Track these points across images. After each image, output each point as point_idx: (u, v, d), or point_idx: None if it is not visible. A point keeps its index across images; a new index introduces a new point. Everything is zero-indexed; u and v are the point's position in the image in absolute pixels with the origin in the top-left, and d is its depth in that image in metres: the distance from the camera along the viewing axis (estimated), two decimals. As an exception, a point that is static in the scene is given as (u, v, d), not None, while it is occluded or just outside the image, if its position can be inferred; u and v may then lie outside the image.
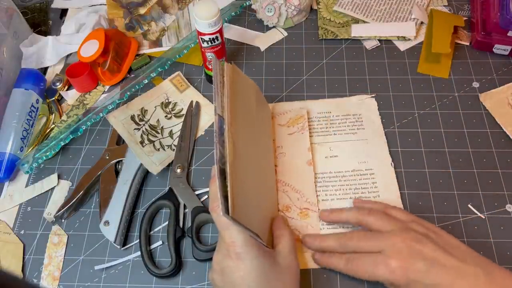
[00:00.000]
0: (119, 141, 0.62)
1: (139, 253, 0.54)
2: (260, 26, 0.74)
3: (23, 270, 0.55)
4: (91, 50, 0.65)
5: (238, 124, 0.48)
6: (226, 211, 0.42)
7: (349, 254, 0.48)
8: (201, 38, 0.60)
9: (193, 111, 0.64)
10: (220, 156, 0.45)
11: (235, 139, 0.46)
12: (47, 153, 0.60)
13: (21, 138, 0.62)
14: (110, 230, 0.54)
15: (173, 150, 0.61)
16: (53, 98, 0.68)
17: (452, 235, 0.47)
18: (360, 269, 0.47)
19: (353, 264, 0.47)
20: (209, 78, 0.67)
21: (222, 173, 0.44)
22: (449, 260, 0.43)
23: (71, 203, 0.57)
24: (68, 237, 0.56)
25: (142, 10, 0.76)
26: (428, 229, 0.47)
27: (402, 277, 0.43)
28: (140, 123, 0.63)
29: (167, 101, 0.65)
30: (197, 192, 0.58)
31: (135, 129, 0.62)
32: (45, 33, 0.75)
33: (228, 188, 0.43)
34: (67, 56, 0.72)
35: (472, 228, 0.54)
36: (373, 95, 0.64)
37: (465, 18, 0.71)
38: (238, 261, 0.44)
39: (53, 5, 0.79)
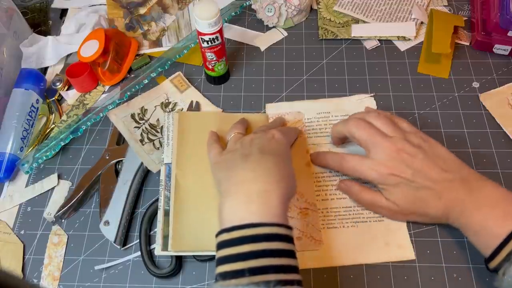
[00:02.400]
0: (119, 141, 0.62)
1: (139, 253, 0.54)
2: (260, 26, 0.74)
3: (23, 270, 0.55)
4: (91, 50, 0.65)
5: (185, 160, 0.56)
6: (165, 249, 0.51)
7: (344, 154, 0.55)
8: (201, 38, 0.60)
9: (193, 111, 0.64)
10: (166, 200, 0.53)
11: (180, 177, 0.55)
12: (47, 153, 0.60)
13: (21, 138, 0.62)
14: (110, 230, 0.54)
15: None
16: (53, 98, 0.68)
17: (445, 148, 0.52)
18: (350, 170, 0.53)
19: (347, 165, 0.53)
20: (209, 78, 0.67)
21: (166, 214, 0.53)
22: (434, 168, 0.50)
23: (71, 203, 0.57)
24: (68, 237, 0.56)
25: (142, 10, 0.76)
26: (424, 140, 0.52)
27: (393, 180, 0.50)
28: (140, 121, 0.63)
29: (167, 101, 0.65)
30: (197, 192, 0.58)
31: (135, 127, 0.62)
32: (45, 33, 0.75)
33: (170, 227, 0.51)
34: (67, 56, 0.72)
35: (472, 228, 0.54)
36: (372, 95, 0.64)
37: (465, 18, 0.71)
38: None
39: (53, 5, 0.79)
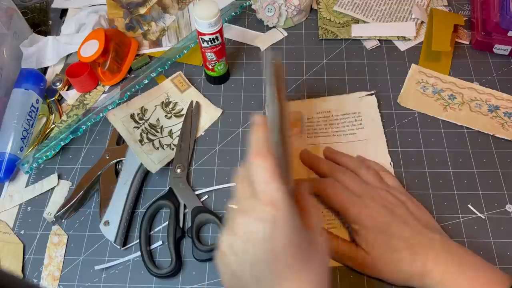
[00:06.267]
0: (119, 141, 0.62)
1: (139, 253, 0.54)
2: (260, 26, 0.74)
3: (23, 270, 0.55)
4: (91, 50, 0.65)
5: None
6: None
7: (334, 181, 0.53)
8: (201, 38, 0.60)
9: (193, 111, 0.64)
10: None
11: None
12: (47, 153, 0.60)
13: (21, 138, 0.62)
14: (110, 230, 0.54)
15: (173, 149, 0.61)
16: (53, 98, 0.68)
17: (427, 212, 0.52)
18: (337, 200, 0.52)
19: (334, 192, 0.52)
20: (209, 78, 0.67)
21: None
22: (413, 222, 0.49)
23: (71, 203, 0.57)
24: (68, 237, 0.56)
25: (142, 10, 0.76)
26: (409, 199, 0.53)
27: (369, 222, 0.49)
28: (140, 121, 0.63)
29: (167, 100, 0.65)
30: (197, 192, 0.58)
31: (134, 127, 0.62)
32: (45, 33, 0.75)
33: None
34: (67, 56, 0.72)
35: (472, 228, 0.54)
36: (373, 92, 0.64)
37: (465, 18, 0.71)
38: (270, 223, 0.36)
39: (53, 5, 0.79)
